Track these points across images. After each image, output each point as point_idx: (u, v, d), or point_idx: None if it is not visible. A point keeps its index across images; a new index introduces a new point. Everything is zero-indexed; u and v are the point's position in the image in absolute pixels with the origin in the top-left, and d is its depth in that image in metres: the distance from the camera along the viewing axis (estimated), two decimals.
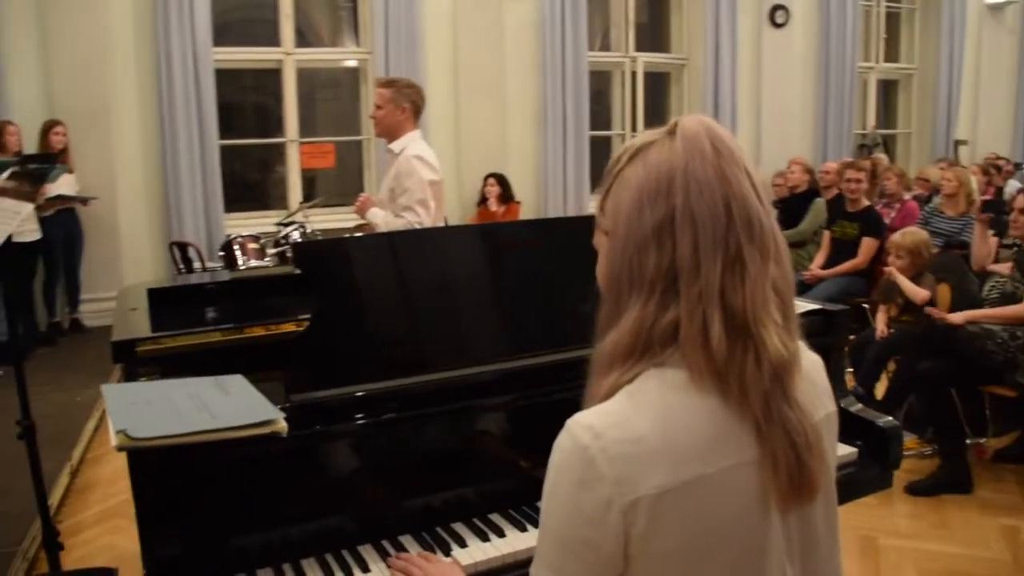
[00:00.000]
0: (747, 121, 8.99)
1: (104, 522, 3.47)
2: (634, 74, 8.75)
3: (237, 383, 1.51)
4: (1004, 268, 4.45)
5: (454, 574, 1.33)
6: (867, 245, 5.49)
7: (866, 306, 5.11)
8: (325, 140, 7.57)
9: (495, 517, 1.57)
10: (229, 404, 1.37)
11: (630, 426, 0.92)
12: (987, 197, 6.56)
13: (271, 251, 5.65)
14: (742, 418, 0.93)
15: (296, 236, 5.53)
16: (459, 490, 1.57)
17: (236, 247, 5.67)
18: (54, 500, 3.44)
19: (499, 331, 1.72)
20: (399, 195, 3.49)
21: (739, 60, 8.78)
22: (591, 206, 8.45)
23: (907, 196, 6.45)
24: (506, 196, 7.55)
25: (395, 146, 3.60)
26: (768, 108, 9.07)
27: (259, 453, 1.40)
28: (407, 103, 3.58)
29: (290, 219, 5.95)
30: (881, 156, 8.56)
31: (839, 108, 9.29)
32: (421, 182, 3.44)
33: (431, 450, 1.57)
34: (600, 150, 8.86)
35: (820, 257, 5.81)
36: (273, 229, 5.87)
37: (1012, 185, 8.03)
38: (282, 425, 1.31)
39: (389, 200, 3.58)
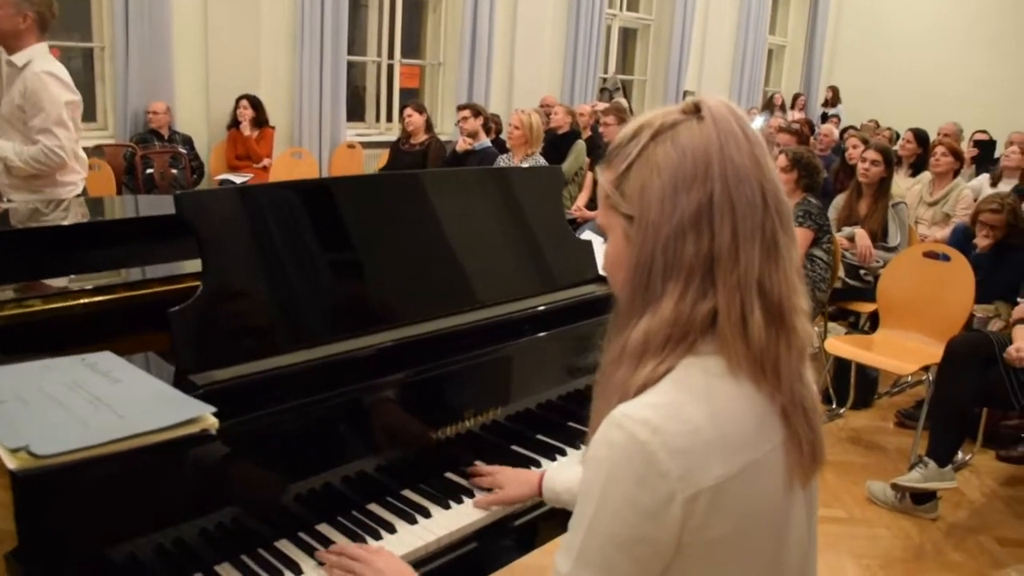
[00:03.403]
0: (501, 58, 9.06)
1: None
2: None
3: (117, 365, 1.25)
4: None
5: (401, 567, 1.24)
6: None
7: None
8: None
9: (409, 494, 1.47)
10: (131, 398, 1.13)
11: (685, 417, 0.90)
12: None
13: None
14: (771, 401, 0.95)
15: None
16: (367, 469, 1.44)
17: None
18: None
19: (411, 292, 1.59)
20: (32, 116, 3.16)
21: None
22: (347, 133, 8.13)
23: None
24: (260, 120, 7.08)
25: (18, 59, 3.24)
26: (521, 46, 9.20)
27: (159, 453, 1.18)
28: (32, 12, 3.21)
29: None
30: (621, 101, 9.07)
31: (586, 51, 9.65)
32: (56, 102, 3.15)
33: (339, 427, 1.41)
34: (355, 75, 8.50)
35: (583, 197, 6.06)
36: None
37: None
38: (212, 421, 1.10)
39: (18, 120, 3.23)
